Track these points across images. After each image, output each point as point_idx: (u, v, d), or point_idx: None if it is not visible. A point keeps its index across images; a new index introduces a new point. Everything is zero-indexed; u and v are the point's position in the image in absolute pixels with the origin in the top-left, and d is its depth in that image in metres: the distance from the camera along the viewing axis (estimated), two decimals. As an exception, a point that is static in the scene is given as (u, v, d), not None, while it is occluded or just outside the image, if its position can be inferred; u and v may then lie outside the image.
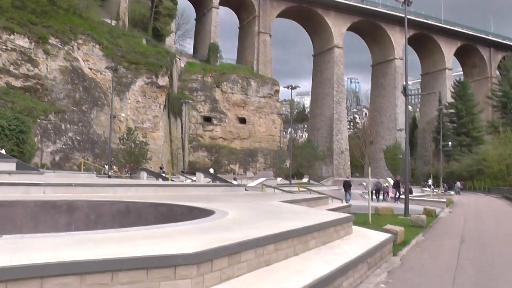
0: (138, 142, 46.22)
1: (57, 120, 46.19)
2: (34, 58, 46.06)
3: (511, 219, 22.98)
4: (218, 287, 4.81)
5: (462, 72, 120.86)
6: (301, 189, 31.95)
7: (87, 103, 50.04)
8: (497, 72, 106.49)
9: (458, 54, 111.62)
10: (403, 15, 25.63)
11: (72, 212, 10.58)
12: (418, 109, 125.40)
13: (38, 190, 12.90)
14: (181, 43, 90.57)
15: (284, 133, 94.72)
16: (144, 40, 62.86)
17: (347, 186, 31.93)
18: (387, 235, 10.32)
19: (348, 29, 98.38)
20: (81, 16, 53.29)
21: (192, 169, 55.94)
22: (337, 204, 21.10)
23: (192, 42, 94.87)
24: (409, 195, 25.44)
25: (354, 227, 10.04)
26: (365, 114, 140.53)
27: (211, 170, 42.38)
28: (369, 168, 19.80)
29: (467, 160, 72.91)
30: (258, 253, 5.61)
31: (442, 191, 53.73)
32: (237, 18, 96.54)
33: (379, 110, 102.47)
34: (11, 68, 44.19)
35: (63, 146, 46.16)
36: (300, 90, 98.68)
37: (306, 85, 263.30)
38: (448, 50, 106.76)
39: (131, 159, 46.18)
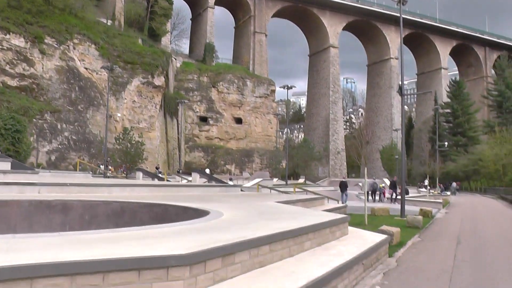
0: (134, 142, 46.15)
1: (53, 119, 46.09)
2: (30, 57, 45.97)
3: (508, 220, 22.98)
4: (211, 289, 4.77)
5: (457, 72, 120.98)
6: (297, 189, 31.93)
7: (83, 103, 49.95)
8: (493, 72, 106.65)
9: (454, 53, 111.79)
10: (398, 15, 25.61)
11: (66, 212, 10.54)
12: (414, 109, 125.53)
13: (33, 190, 12.87)
14: (177, 43, 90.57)
15: (280, 133, 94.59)
16: (140, 40, 62.80)
17: (343, 186, 31.73)
18: (383, 236, 10.28)
19: (344, 29, 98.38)
20: (77, 16, 53.23)
21: (188, 169, 55.86)
22: (333, 204, 21.06)
23: (188, 42, 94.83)
24: (405, 196, 25.41)
25: (350, 228, 10.00)
26: (361, 114, 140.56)
27: (207, 171, 42.42)
28: (365, 168, 19.78)
29: (463, 160, 72.94)
30: (252, 254, 5.56)
31: (439, 191, 53.71)
32: (232, 18, 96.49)
33: (375, 110, 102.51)
34: (7, 67, 44.10)
35: (59, 146, 46.07)
36: (296, 90, 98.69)
37: (302, 85, 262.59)
38: (444, 49, 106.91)
39: (127, 159, 46.11)
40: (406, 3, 24.66)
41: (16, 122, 33.04)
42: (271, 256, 6.03)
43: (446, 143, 72.25)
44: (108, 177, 36.21)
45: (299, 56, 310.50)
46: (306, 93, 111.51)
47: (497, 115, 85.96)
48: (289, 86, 61.20)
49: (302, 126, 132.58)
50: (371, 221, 17.49)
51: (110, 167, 45.11)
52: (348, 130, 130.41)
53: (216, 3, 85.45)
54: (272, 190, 29.28)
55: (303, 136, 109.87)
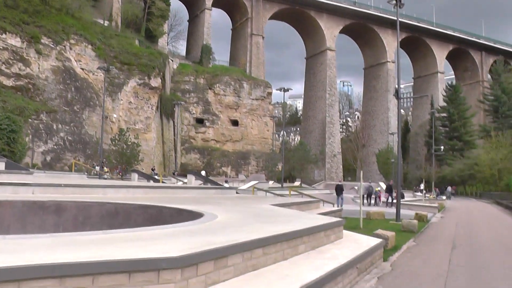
0: (130, 143, 46.11)
1: (49, 120, 45.97)
2: (26, 57, 45.87)
3: (503, 225, 22.97)
4: (203, 292, 4.72)
5: (454, 76, 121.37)
6: (292, 192, 31.85)
7: (79, 104, 49.85)
8: (489, 76, 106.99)
9: (450, 57, 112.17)
10: (395, 18, 25.64)
11: (60, 213, 10.47)
12: (410, 113, 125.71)
13: (27, 190, 12.79)
14: (174, 45, 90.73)
15: (276, 135, 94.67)
16: (136, 41, 62.77)
17: (339, 190, 31.70)
18: (378, 240, 10.23)
19: (341, 32, 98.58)
20: (74, 16, 53.16)
21: (184, 171, 55.79)
22: (328, 208, 21.03)
23: (185, 43, 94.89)
24: (401, 200, 25.40)
25: (345, 231, 9.95)
26: (358, 117, 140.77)
27: (203, 173, 42.38)
28: (361, 172, 19.73)
29: (459, 164, 72.96)
30: (245, 257, 5.51)
31: (434, 195, 53.73)
32: (230, 20, 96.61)
33: (372, 113, 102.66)
34: (3, 67, 44.00)
35: (55, 146, 45.94)
36: (292, 93, 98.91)
37: (298, 87, 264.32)
38: (440, 53, 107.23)
39: (122, 160, 46.03)
40: (403, 6, 24.67)
41: (11, 122, 32.98)
42: (265, 259, 5.97)
43: (442, 147, 72.37)
44: (106, 178, 36.09)
45: (296, 59, 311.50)
46: (302, 96, 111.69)
47: (493, 120, 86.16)
48: (285, 88, 61.08)
49: (298, 128, 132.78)
50: (366, 225, 17.46)
51: (105, 168, 44.98)
52: (344, 133, 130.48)
53: (213, 5, 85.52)
54: (267, 193, 29.28)
55: (299, 139, 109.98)
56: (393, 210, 25.14)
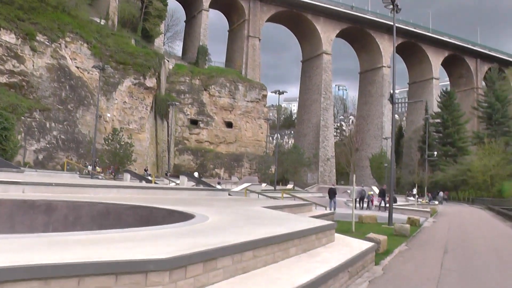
0: (123, 143, 45.89)
1: (42, 118, 45.73)
2: (21, 54, 45.64)
3: (494, 230, 23.04)
4: (192, 295, 4.65)
5: (449, 82, 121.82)
6: (285, 195, 31.79)
7: (73, 102, 49.62)
8: (483, 83, 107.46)
9: (445, 64, 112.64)
10: (392, 23, 25.66)
11: (50, 212, 10.39)
12: (404, 118, 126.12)
13: (17, 189, 12.69)
14: (170, 45, 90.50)
15: (270, 138, 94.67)
16: (133, 40, 62.61)
17: (332, 193, 31.70)
18: (370, 244, 10.20)
19: (337, 36, 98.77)
20: (70, 14, 52.96)
21: (177, 172, 55.61)
22: (320, 211, 21.01)
23: (181, 44, 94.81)
24: (394, 204, 25.39)
25: (336, 235, 9.91)
26: (352, 121, 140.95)
27: (196, 174, 42.19)
28: (354, 175, 19.73)
29: (452, 170, 73.27)
30: (235, 260, 5.44)
31: (427, 200, 53.96)
32: (227, 21, 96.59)
33: (366, 118, 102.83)
34: (-3, 64, 43.76)
35: (47, 145, 45.70)
36: (287, 96, 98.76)
37: (294, 90, 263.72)
38: (436, 59, 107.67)
39: (115, 160, 45.82)
40: (400, 10, 24.70)
41: (3, 119, 32.77)
42: (255, 262, 5.91)
43: (435, 153, 72.56)
44: (100, 178, 35.93)
45: (292, 62, 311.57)
46: (297, 99, 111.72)
47: (487, 127, 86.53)
48: (280, 91, 61.12)
49: (292, 132, 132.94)
50: (359, 229, 17.44)
51: (98, 168, 44.78)
52: (338, 137, 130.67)
53: (210, 6, 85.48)
54: (260, 195, 29.23)
55: (293, 142, 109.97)
56: (385, 214, 25.14)
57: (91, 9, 60.20)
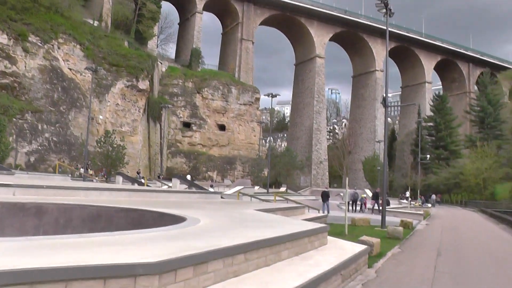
0: (115, 145, 45.65)
1: (34, 120, 45.44)
2: (13, 55, 45.36)
3: (487, 232, 23.09)
4: (182, 299, 4.57)
5: (441, 86, 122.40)
6: (278, 198, 31.72)
7: (65, 104, 49.35)
8: (476, 88, 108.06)
9: (438, 68, 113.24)
10: (385, 27, 25.70)
11: (41, 215, 10.26)
12: (397, 122, 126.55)
13: (7, 192, 12.53)
14: (164, 47, 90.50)
15: (263, 141, 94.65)
16: (126, 42, 62.43)
17: (325, 196, 31.72)
18: (363, 247, 10.15)
19: (331, 39, 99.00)
20: (63, 15, 52.73)
21: (169, 175, 55.48)
22: (313, 214, 20.95)
23: (175, 46, 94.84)
24: (387, 207, 25.40)
25: (329, 237, 9.86)
26: (345, 125, 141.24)
27: (188, 177, 42.12)
28: (347, 178, 19.71)
29: (444, 173, 73.56)
30: (226, 263, 5.37)
31: (420, 203, 54.14)
32: (220, 24, 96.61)
33: (359, 121, 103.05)
34: (-12, 65, 43.47)
35: (39, 147, 45.41)
36: (280, 99, 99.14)
37: (287, 94, 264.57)
38: (428, 64, 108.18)
39: (107, 163, 45.58)
40: (393, 15, 24.76)
41: (-5, 121, 32.56)
42: (246, 265, 5.84)
43: (428, 156, 72.84)
44: (93, 181, 35.75)
45: (285, 65, 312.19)
46: (290, 102, 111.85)
47: (479, 130, 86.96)
48: (273, 94, 61.20)
49: (285, 135, 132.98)
50: (352, 231, 17.42)
51: (90, 170, 44.55)
52: (331, 141, 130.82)
53: (204, 9, 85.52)
54: (252, 198, 29.13)
55: (286, 145, 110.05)
56: (378, 217, 25.13)
57: (84, 11, 60.01)
